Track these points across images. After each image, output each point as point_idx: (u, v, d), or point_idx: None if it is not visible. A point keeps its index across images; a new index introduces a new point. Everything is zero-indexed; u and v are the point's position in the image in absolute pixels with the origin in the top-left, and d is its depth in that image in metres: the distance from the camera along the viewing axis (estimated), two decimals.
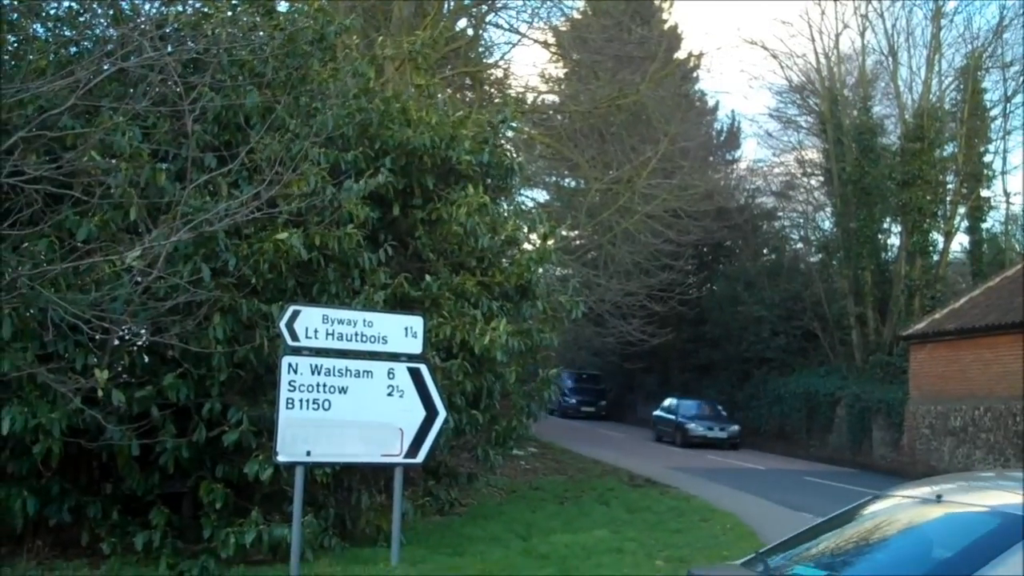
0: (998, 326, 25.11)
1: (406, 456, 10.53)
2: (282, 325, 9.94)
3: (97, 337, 9.09)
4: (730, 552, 12.11)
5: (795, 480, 24.90)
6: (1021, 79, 36.49)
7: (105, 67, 9.48)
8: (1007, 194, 38.13)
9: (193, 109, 9.94)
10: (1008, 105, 36.84)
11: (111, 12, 11.04)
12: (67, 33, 10.92)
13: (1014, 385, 24.50)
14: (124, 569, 10.26)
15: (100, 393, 8.75)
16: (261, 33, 12.02)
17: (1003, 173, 38.07)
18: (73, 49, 11.04)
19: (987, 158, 36.48)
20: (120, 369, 10.45)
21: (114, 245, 9.42)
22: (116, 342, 10.26)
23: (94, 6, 11.14)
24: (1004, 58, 36.25)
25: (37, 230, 9.16)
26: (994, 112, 36.82)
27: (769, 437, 38.59)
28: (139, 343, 10.98)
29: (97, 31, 11.28)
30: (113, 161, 9.82)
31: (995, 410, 25.16)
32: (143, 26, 9.99)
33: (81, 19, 11.25)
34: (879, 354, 34.60)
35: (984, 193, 36.10)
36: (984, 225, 37.01)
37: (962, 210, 35.90)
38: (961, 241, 38.11)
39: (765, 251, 45.95)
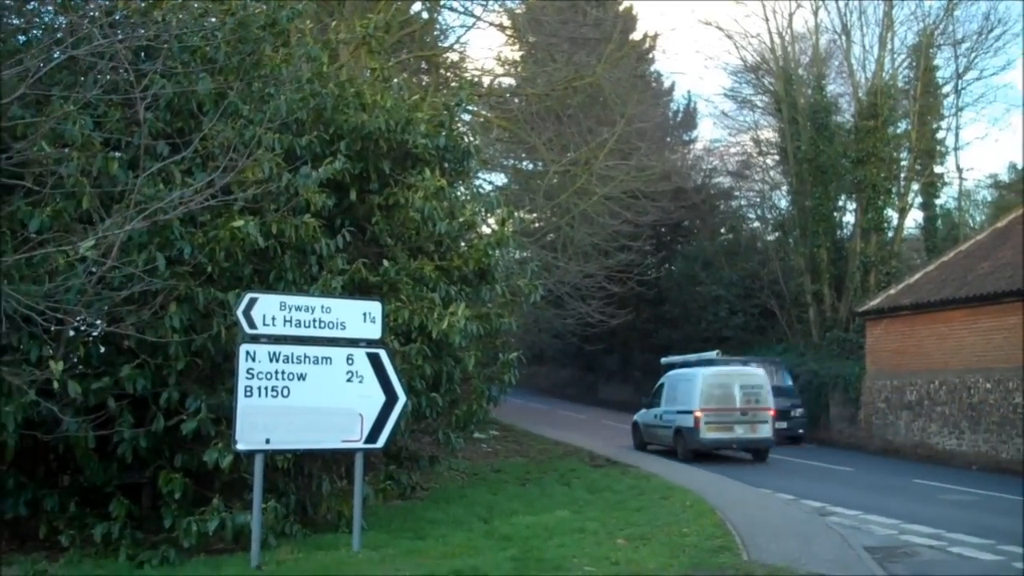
0: (952, 300, 25.46)
1: (366, 441, 10.55)
2: (239, 313, 9.91)
3: (52, 328, 9.02)
4: (690, 529, 12.24)
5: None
6: (972, 56, 36.97)
7: (55, 55, 9.38)
8: (960, 170, 38.87)
9: (145, 97, 9.84)
10: (960, 82, 37.36)
11: (60, 0, 10.89)
12: (15, 22, 10.76)
13: (968, 359, 24.86)
14: (83, 561, 10.20)
15: (56, 385, 8.68)
16: (212, 19, 11.95)
17: (956, 149, 38.81)
18: (22, 38, 10.90)
19: (940, 135, 36.98)
20: (76, 360, 10.37)
21: (67, 235, 9.33)
22: (71, 333, 10.20)
23: None
24: (955, 35, 36.77)
25: None
26: (946, 89, 37.32)
27: None
28: (94, 334, 10.92)
29: (46, 19, 11.14)
30: (65, 150, 9.72)
31: (949, 383, 25.51)
32: (92, 14, 9.90)
33: (29, 7, 11.11)
34: (836, 330, 34.98)
35: (937, 169, 36.64)
36: (938, 201, 37.64)
37: (916, 187, 36.38)
38: (915, 217, 38.67)
39: (722, 231, 46.29)
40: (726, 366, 25.77)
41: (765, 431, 23.25)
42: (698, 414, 22.83)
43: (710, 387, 23.29)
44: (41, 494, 10.69)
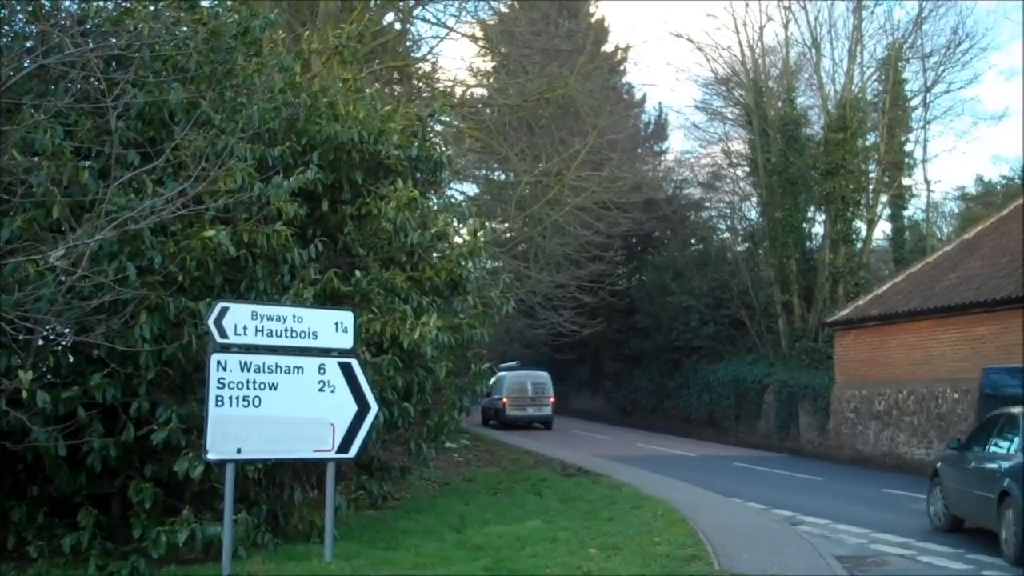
0: (920, 311, 25.68)
1: (338, 451, 10.54)
2: (210, 322, 9.88)
3: (21, 337, 8.95)
4: (662, 538, 12.28)
5: (725, 466, 25.25)
6: (941, 69, 37.35)
7: (25, 64, 9.35)
8: (928, 182, 39.07)
9: (116, 106, 9.81)
10: (928, 95, 37.72)
11: (30, 8, 10.83)
12: None
13: (936, 369, 25.07)
14: (52, 572, 10.13)
15: (24, 394, 8.63)
16: (184, 28, 11.89)
17: (924, 161, 38.97)
18: None
19: (908, 147, 37.34)
20: (45, 370, 10.31)
21: (37, 244, 9.27)
22: (40, 342, 10.13)
23: (12, 2, 10.93)
24: (924, 49, 37.16)
25: None
26: (915, 102, 37.63)
27: (699, 424, 39.18)
28: (64, 343, 10.86)
29: (16, 27, 11.07)
30: (35, 159, 9.70)
31: (918, 393, 25.72)
32: (64, 22, 9.87)
33: None
34: (805, 341, 35.19)
35: (905, 181, 36.94)
36: (906, 213, 38.07)
37: (884, 198, 36.68)
38: (884, 229, 38.96)
39: (693, 241, 46.54)
40: (524, 371, 38.81)
41: (547, 411, 38.09)
42: (505, 400, 37.43)
43: (511, 383, 37.74)
44: (9, 504, 10.60)
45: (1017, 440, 12.48)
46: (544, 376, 38.85)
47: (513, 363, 39.58)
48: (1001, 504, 12.02)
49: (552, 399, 38.48)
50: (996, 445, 13.19)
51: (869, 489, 19.98)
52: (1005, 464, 12.37)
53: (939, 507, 14.74)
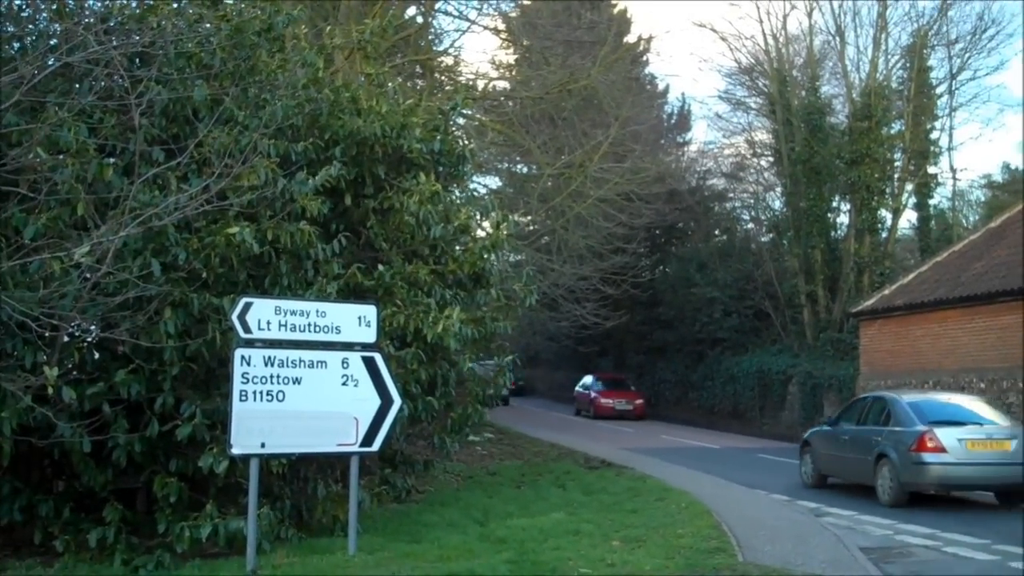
0: (946, 301, 25.51)
1: (362, 445, 10.57)
2: (234, 317, 9.93)
3: (46, 334, 9.04)
4: (685, 531, 12.27)
5: (749, 458, 25.22)
6: (966, 56, 37.07)
7: (49, 62, 9.41)
8: (954, 170, 38.74)
9: (140, 103, 9.85)
10: (954, 82, 37.45)
11: (54, 7, 10.90)
12: (10, 29, 10.77)
13: (962, 359, 24.91)
14: (78, 566, 10.20)
15: (50, 390, 8.69)
16: (208, 25, 11.91)
17: (950, 150, 38.69)
18: (16, 45, 10.90)
19: (934, 135, 37.07)
20: (70, 366, 10.39)
21: (62, 242, 9.33)
22: (66, 339, 10.19)
23: (36, 1, 11.00)
24: (949, 36, 36.91)
25: None
26: (940, 89, 37.40)
27: (723, 416, 39.07)
28: (89, 339, 10.92)
29: (40, 26, 11.14)
30: (60, 157, 9.73)
31: (944, 383, 25.51)
32: (87, 20, 9.92)
33: (24, 14, 11.11)
34: (830, 331, 35.05)
35: (931, 170, 36.67)
36: (931, 201, 37.74)
37: (909, 187, 36.45)
38: (909, 218, 38.73)
39: (716, 232, 46.35)
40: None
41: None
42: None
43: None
44: (36, 500, 10.68)
45: (887, 417, 16.99)
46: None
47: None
48: (877, 463, 16.48)
49: (513, 383, 39.28)
50: (869, 421, 17.66)
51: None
52: (880, 435, 16.76)
53: (809, 469, 19.32)
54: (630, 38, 35.26)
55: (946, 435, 15.69)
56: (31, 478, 11.15)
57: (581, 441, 27.01)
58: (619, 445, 26.53)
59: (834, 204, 37.78)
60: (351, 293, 12.33)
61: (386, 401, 10.68)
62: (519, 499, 15.46)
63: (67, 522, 10.72)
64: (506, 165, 31.89)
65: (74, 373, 10.39)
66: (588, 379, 44.32)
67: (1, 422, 9.16)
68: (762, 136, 42.35)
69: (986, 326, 24.13)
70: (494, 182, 31.77)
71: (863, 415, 18.10)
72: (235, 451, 9.85)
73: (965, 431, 15.92)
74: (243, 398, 9.84)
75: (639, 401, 41.49)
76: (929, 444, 15.58)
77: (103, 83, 10.27)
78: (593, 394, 42.37)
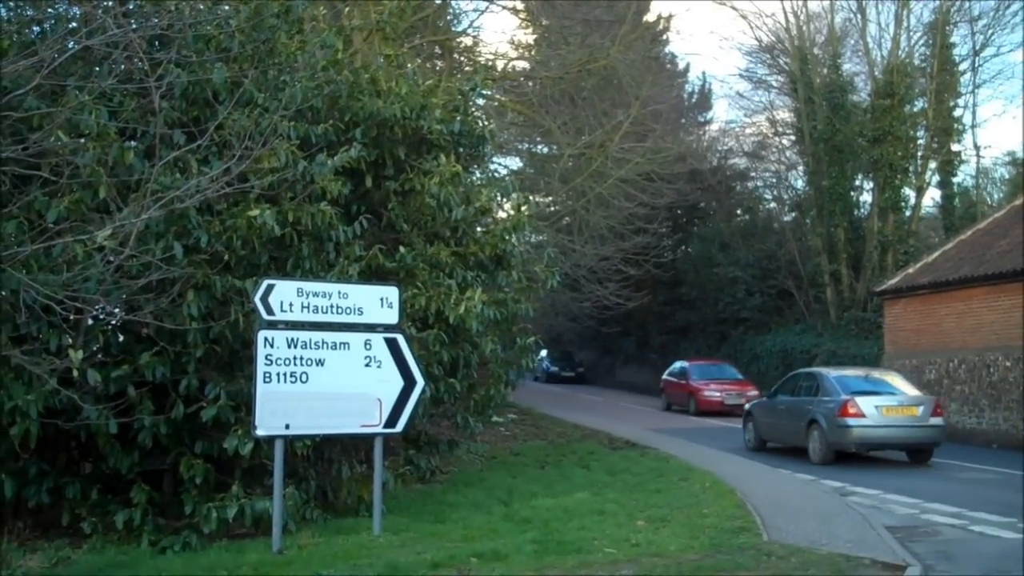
0: (971, 279, 25.32)
1: (385, 426, 10.60)
2: (257, 299, 9.95)
3: (71, 317, 9.09)
4: (710, 510, 12.24)
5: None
6: (989, 33, 36.73)
7: (69, 46, 9.41)
8: (977, 148, 38.58)
9: (160, 86, 9.85)
10: (977, 59, 37.14)
11: None
12: (29, 13, 10.80)
13: (987, 337, 24.75)
14: (106, 547, 10.27)
15: (75, 373, 8.73)
16: (226, 7, 11.94)
17: (973, 127, 38.49)
18: (36, 29, 10.93)
19: (957, 112, 36.81)
20: (95, 349, 10.45)
21: (84, 225, 9.38)
22: (90, 322, 10.27)
23: None
24: (972, 12, 36.68)
25: (6, 212, 9.13)
26: (963, 66, 37.08)
27: None
28: (113, 322, 10.99)
29: (60, 10, 11.15)
30: (81, 141, 9.77)
31: (969, 362, 25.41)
32: (106, 3, 9.92)
33: None
34: (853, 310, 34.90)
35: (954, 147, 36.44)
36: (955, 179, 37.42)
37: (933, 165, 36.18)
38: (933, 196, 38.46)
39: (739, 212, 46.16)
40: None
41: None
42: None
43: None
44: (63, 482, 10.77)
45: (817, 389, 19.84)
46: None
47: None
48: (809, 428, 19.37)
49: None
50: (802, 393, 20.43)
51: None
52: (811, 404, 19.57)
53: (751, 436, 22.12)
54: (650, 16, 34.99)
55: (865, 403, 18.54)
56: (58, 461, 11.23)
57: (605, 422, 26.98)
58: (642, 426, 26.50)
59: (857, 183, 37.60)
60: (373, 275, 12.34)
61: (409, 382, 10.71)
62: (543, 479, 15.48)
63: (94, 504, 10.80)
64: (526, 146, 31.78)
65: (99, 356, 10.47)
66: (681, 365, 36.38)
67: (27, 405, 9.24)
68: (784, 115, 42.21)
69: (1011, 304, 23.91)
70: (514, 163, 31.69)
71: (797, 388, 20.86)
72: (260, 433, 9.88)
73: (881, 399, 18.87)
74: (267, 380, 9.87)
75: (752, 392, 31.78)
76: (851, 410, 18.43)
77: (123, 66, 10.30)
78: (694, 384, 34.09)
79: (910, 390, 20.13)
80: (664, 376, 37.14)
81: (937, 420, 19.02)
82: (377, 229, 13.38)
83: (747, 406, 23.38)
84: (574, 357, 54.79)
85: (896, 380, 20.68)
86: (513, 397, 18.73)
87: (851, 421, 18.41)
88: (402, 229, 13.48)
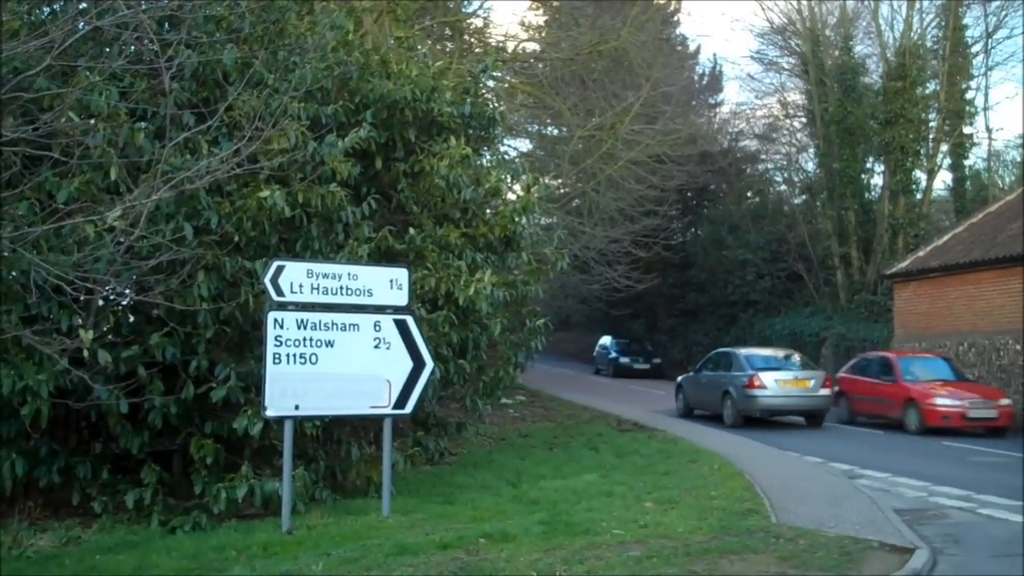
0: (982, 262, 25.26)
1: (395, 407, 10.62)
2: (267, 281, 9.97)
3: (81, 298, 9.09)
4: (718, 492, 12.26)
5: (781, 420, 25.06)
6: (1003, 14, 36.44)
7: (80, 26, 9.39)
8: (989, 130, 38.43)
9: (170, 67, 9.83)
10: (989, 41, 36.84)
11: None
12: None
13: (998, 320, 24.70)
14: (116, 527, 10.33)
15: (86, 354, 8.77)
16: None
17: (985, 109, 38.36)
18: (46, 9, 10.93)
19: (969, 95, 36.54)
20: (105, 329, 10.44)
21: (95, 206, 9.37)
22: (100, 302, 10.29)
23: None
24: None
25: (17, 192, 9.14)
26: (975, 48, 36.81)
27: None
28: (124, 303, 11.01)
29: None
30: (91, 121, 9.76)
31: (979, 345, 25.38)
32: None
33: None
34: (864, 293, 34.81)
35: (966, 130, 36.20)
36: (967, 162, 37.14)
37: (944, 147, 35.96)
38: (944, 179, 38.39)
39: (749, 194, 46.02)
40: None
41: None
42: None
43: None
44: (74, 462, 10.82)
45: (730, 365, 23.97)
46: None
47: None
48: (724, 398, 23.43)
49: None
50: (720, 368, 24.55)
51: (929, 442, 19.78)
52: (725, 378, 23.66)
53: (681, 404, 26.04)
54: None
55: (767, 377, 22.56)
56: (68, 440, 11.30)
57: (613, 404, 26.98)
58: (651, 408, 26.52)
59: (868, 165, 37.42)
60: (382, 256, 12.34)
61: (418, 364, 10.72)
62: (551, 461, 15.51)
63: (105, 484, 10.87)
64: (536, 127, 31.71)
65: (109, 336, 10.49)
66: (878, 356, 25.66)
67: (38, 385, 9.29)
68: (795, 97, 42.01)
69: (1022, 287, 23.85)
70: (524, 145, 31.63)
71: (716, 364, 24.94)
72: (269, 413, 9.91)
73: (780, 374, 22.96)
74: (276, 361, 9.89)
75: (1005, 402, 21.94)
76: (756, 383, 22.45)
77: (133, 47, 10.31)
78: (911, 387, 22.35)
79: (805, 366, 24.36)
80: (841, 373, 26.36)
81: (825, 391, 23.05)
82: (387, 211, 13.38)
83: (679, 379, 27.02)
84: (646, 345, 46.34)
85: (795, 357, 24.85)
86: (521, 379, 18.72)
87: (756, 392, 22.41)
88: (412, 211, 13.48)
